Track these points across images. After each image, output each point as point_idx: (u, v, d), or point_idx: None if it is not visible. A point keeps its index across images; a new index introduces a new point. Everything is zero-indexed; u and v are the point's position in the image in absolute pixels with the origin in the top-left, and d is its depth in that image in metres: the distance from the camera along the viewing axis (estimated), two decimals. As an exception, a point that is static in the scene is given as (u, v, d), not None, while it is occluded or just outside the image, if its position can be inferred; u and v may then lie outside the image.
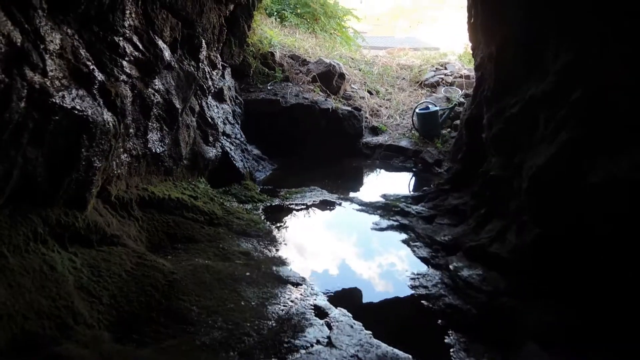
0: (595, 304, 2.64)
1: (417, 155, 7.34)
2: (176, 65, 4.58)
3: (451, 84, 10.23)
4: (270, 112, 7.39)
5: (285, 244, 4.39)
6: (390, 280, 3.85)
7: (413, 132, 8.10)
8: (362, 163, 7.58)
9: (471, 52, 7.15)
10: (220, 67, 6.47)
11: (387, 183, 6.88)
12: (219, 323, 2.93)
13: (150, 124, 4.26)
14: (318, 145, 7.56)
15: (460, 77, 10.33)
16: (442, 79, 10.42)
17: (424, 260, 4.07)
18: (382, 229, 4.78)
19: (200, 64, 5.31)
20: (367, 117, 8.36)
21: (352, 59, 10.79)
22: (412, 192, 5.79)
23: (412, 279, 3.75)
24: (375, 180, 6.99)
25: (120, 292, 2.96)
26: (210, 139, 5.75)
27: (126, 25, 3.48)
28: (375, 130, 8.31)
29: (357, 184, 6.75)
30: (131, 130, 3.90)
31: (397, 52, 15.67)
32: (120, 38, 3.43)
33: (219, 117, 6.09)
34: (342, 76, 8.67)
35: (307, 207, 5.45)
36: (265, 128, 7.31)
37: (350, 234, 4.81)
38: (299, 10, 13.49)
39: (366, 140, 7.96)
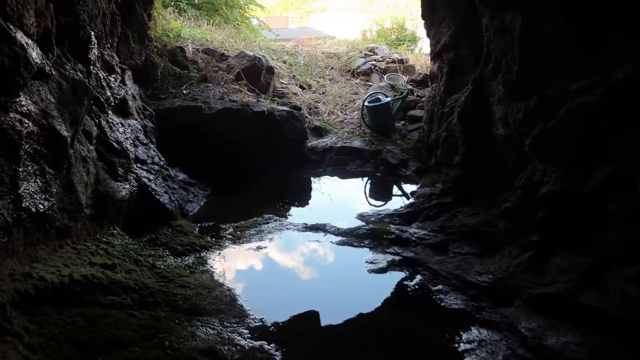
0: None
1: (376, 157, 6.23)
2: (54, 72, 2.94)
3: (385, 70, 9.32)
4: (191, 122, 5.80)
5: (260, 319, 3.02)
6: (437, 358, 2.67)
7: (363, 128, 6.99)
8: (313, 172, 6.29)
9: (425, 32, 6.26)
10: (119, 70, 4.78)
11: (354, 196, 5.68)
12: None
13: (21, 169, 2.63)
14: (256, 156, 6.15)
15: (393, 62, 9.45)
16: (375, 65, 9.45)
17: (463, 314, 2.94)
18: (382, 270, 3.59)
19: (92, 68, 3.67)
20: (306, 117, 7.08)
21: (273, 50, 9.39)
22: (396, 208, 4.62)
23: (466, 350, 2.60)
24: (338, 193, 5.73)
25: None
26: (120, 171, 4.10)
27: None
28: (319, 131, 7.05)
29: (318, 202, 5.42)
30: (-14, 189, 2.27)
31: (307, 41, 14.56)
32: None
33: (126, 138, 4.43)
34: (270, 70, 7.27)
35: (271, 247, 4.08)
36: (188, 143, 5.72)
37: (343, 286, 3.53)
38: (196, 1, 11.83)
39: (312, 144, 6.67)
